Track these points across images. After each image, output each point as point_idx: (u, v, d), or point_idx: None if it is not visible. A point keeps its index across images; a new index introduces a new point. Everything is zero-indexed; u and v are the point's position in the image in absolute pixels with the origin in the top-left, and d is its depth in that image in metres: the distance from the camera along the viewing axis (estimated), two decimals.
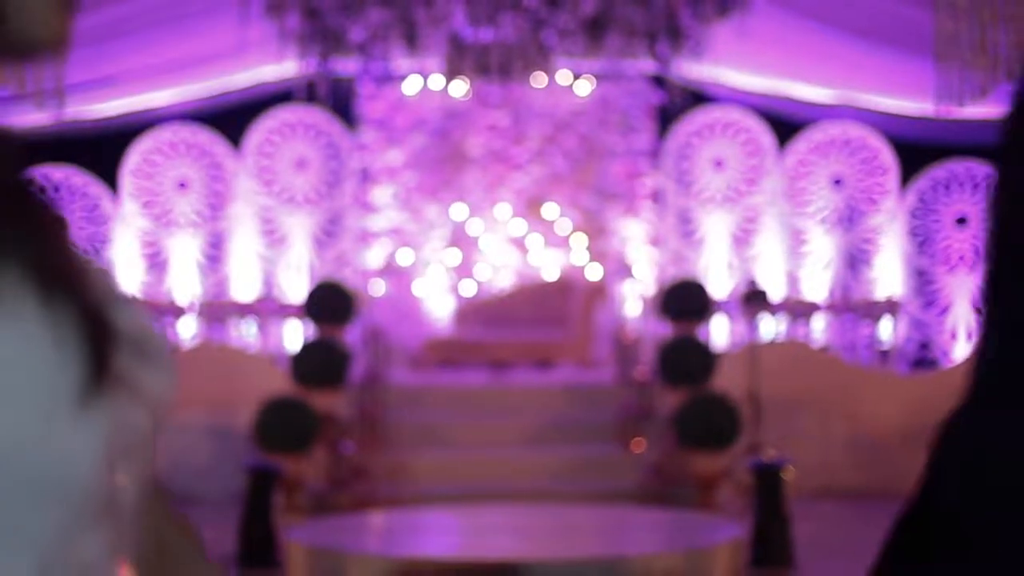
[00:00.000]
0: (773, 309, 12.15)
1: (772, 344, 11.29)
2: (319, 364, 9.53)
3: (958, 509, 0.93)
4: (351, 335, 10.66)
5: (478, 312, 12.46)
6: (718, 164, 12.66)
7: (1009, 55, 7.19)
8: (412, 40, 10.32)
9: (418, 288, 12.60)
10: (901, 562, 0.98)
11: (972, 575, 0.91)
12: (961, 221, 12.44)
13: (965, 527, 0.93)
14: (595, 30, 10.38)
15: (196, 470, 10.41)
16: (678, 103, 11.94)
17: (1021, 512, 0.89)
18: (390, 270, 12.57)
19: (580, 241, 12.76)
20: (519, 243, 12.80)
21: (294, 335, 12.13)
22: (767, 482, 8.02)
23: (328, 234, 12.55)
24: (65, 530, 0.79)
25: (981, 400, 0.94)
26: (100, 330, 0.85)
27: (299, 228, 12.51)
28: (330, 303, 10.45)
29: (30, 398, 0.78)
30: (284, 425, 8.68)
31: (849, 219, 12.60)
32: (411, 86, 12.22)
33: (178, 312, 12.24)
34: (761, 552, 7.90)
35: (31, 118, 10.56)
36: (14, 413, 0.77)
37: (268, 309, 12.31)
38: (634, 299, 12.44)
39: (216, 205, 12.47)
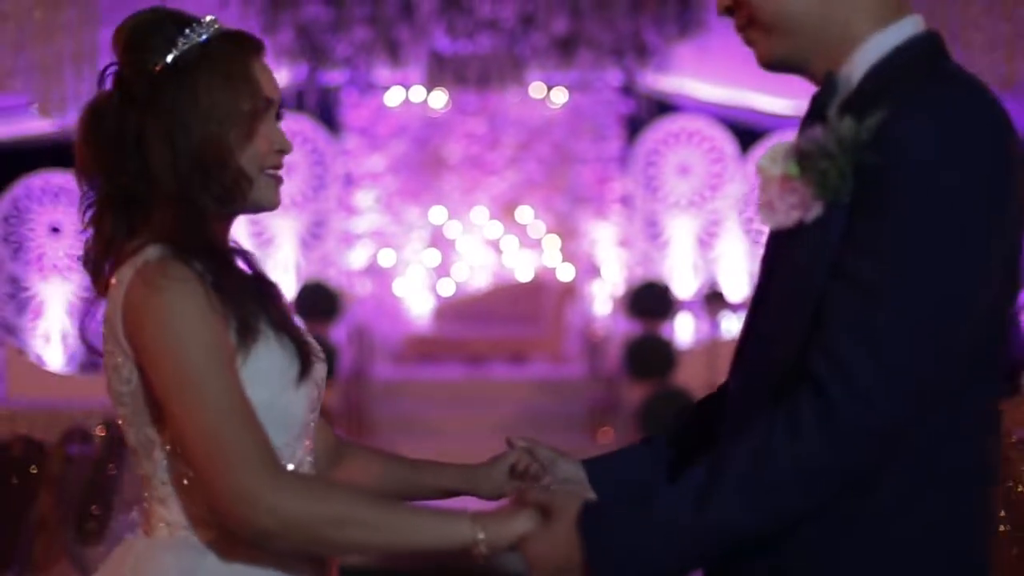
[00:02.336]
0: (734, 308, 12.79)
1: (732, 341, 11.87)
2: None
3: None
4: (336, 332, 11.20)
5: (456, 310, 13.05)
6: (683, 170, 13.18)
7: None
8: (395, 54, 10.97)
9: (399, 287, 13.18)
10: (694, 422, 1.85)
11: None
12: None
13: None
14: (566, 47, 11.06)
15: None
16: (645, 112, 12.61)
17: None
18: (373, 270, 13.15)
19: (553, 243, 13.34)
20: (495, 245, 13.39)
21: None
22: None
23: (314, 236, 13.09)
24: (295, 438, 1.86)
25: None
26: (304, 347, 1.89)
27: (286, 230, 13.03)
28: (316, 302, 11.05)
29: (278, 379, 1.84)
30: None
31: None
32: (393, 97, 12.79)
33: None
34: None
35: (34, 125, 11.11)
36: (273, 387, 1.81)
37: None
38: (603, 298, 13.00)
39: None
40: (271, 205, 2.01)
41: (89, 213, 2.01)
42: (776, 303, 1.76)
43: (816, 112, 1.77)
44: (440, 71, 11.53)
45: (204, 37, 1.96)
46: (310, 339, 1.99)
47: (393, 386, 11.08)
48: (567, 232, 13.31)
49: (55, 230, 12.67)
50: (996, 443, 1.78)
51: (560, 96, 12.97)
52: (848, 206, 1.65)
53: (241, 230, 12.97)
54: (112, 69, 1.96)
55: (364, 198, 13.13)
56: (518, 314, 12.77)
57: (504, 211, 13.30)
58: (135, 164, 1.91)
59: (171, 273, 1.83)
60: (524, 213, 13.28)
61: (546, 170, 13.29)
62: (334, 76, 11.67)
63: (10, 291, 12.66)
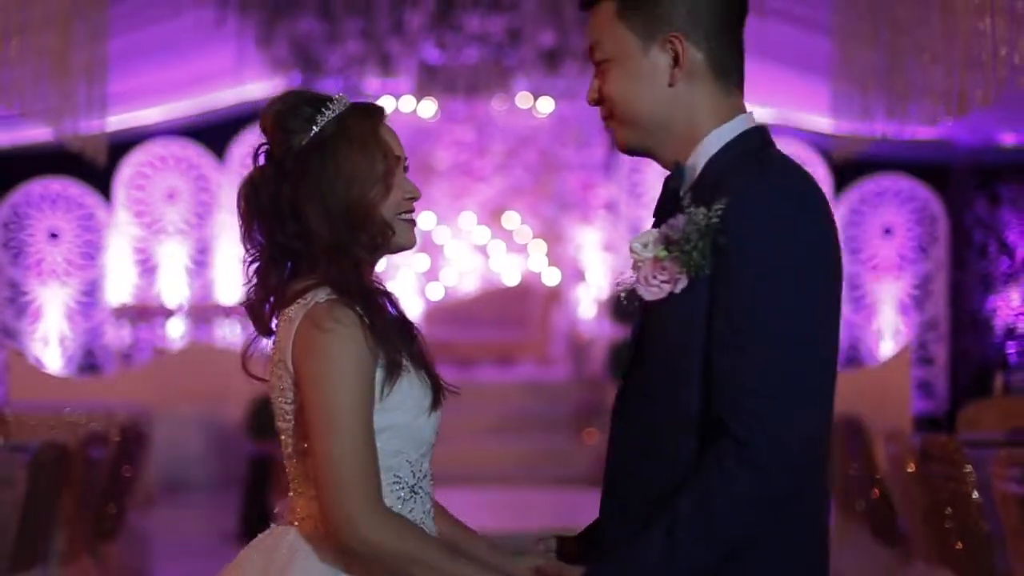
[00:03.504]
0: None
1: None
2: None
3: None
4: None
5: (445, 314, 13.36)
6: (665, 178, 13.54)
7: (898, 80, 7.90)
8: (386, 66, 11.30)
9: None
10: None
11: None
12: (887, 231, 13.50)
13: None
14: (552, 58, 11.39)
15: (189, 459, 11.32)
16: None
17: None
18: None
19: (539, 248, 13.66)
20: (482, 250, 13.71)
21: None
22: None
23: None
24: (423, 455, 2.30)
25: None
26: (436, 380, 2.25)
27: None
28: None
29: (416, 407, 2.21)
30: (273, 418, 9.61)
31: None
32: (384, 106, 13.08)
33: (168, 314, 13.09)
34: None
35: (33, 133, 11.40)
36: (410, 413, 2.23)
37: None
38: (588, 302, 13.30)
39: (202, 214, 13.26)
40: (410, 245, 2.36)
41: (252, 267, 2.32)
42: (653, 361, 2.15)
43: (668, 195, 2.19)
44: (430, 81, 11.85)
45: (337, 112, 2.31)
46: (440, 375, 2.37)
47: None
48: (553, 237, 13.62)
49: (53, 235, 12.96)
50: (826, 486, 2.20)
51: (546, 105, 13.24)
52: (709, 277, 2.05)
53: (235, 236, 13.25)
54: (263, 148, 2.32)
55: None
56: (505, 318, 13.09)
57: (491, 217, 13.61)
58: (293, 226, 2.26)
59: (337, 317, 2.19)
60: (511, 219, 13.59)
61: (532, 177, 13.60)
62: (327, 85, 11.98)
63: (9, 295, 12.96)
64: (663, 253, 2.09)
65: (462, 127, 13.45)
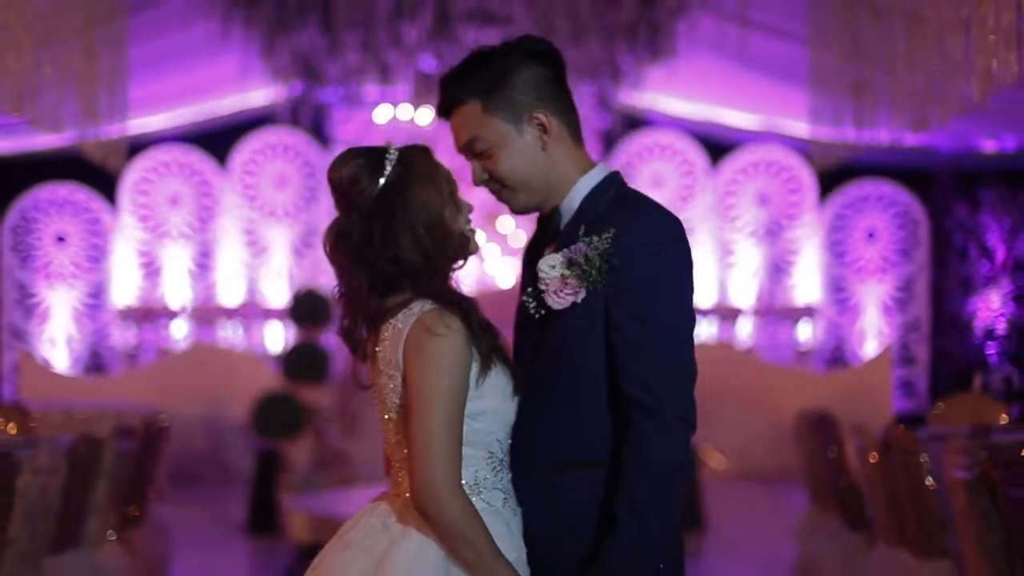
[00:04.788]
0: (704, 312, 13.50)
1: (702, 346, 12.56)
2: (305, 363, 10.82)
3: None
4: (329, 337, 11.70)
5: None
6: (656, 182, 13.86)
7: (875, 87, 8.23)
8: (384, 75, 11.65)
9: None
10: None
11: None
12: (871, 235, 13.87)
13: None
14: None
15: (193, 456, 11.67)
16: (620, 127, 13.30)
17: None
18: None
19: None
20: (477, 253, 14.03)
21: (276, 336, 13.37)
22: None
23: (306, 244, 13.70)
24: (507, 434, 2.73)
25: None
26: (516, 372, 2.67)
27: (280, 239, 13.66)
28: (310, 308, 11.66)
29: (502, 392, 2.62)
30: (277, 416, 9.97)
31: (773, 232, 13.91)
32: (381, 114, 13.42)
33: (172, 316, 13.45)
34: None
35: (40, 140, 11.75)
36: (498, 398, 2.63)
37: (252, 313, 13.51)
38: None
39: (205, 218, 13.61)
40: (477, 250, 2.82)
41: (342, 299, 2.73)
42: (557, 357, 2.69)
43: (546, 231, 2.80)
44: (427, 89, 12.18)
45: (396, 157, 2.72)
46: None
47: None
48: None
49: (60, 239, 13.33)
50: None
51: None
52: (603, 291, 2.61)
53: (237, 239, 13.65)
54: (338, 202, 2.73)
55: None
56: (499, 319, 13.37)
57: (486, 220, 13.90)
58: (384, 255, 2.67)
59: (447, 323, 2.61)
60: (505, 223, 13.92)
61: None
62: (327, 94, 12.33)
63: (18, 297, 13.32)
64: (567, 272, 2.61)
65: None
